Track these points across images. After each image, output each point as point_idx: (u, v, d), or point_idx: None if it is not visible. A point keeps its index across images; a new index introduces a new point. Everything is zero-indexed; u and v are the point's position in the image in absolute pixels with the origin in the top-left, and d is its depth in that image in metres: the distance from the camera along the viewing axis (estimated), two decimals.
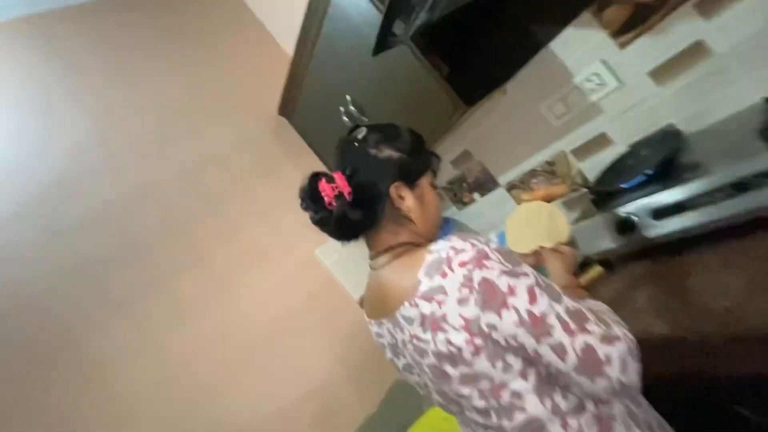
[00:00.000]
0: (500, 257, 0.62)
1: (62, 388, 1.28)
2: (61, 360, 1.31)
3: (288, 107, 1.84)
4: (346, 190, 0.70)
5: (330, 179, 0.71)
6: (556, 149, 1.41)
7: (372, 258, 0.78)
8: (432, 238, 0.80)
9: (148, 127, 1.68)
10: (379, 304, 0.76)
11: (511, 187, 1.61)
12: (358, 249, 1.88)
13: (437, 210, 0.80)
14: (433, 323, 0.63)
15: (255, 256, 1.71)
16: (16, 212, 1.39)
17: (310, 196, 0.72)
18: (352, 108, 1.51)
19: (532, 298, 0.59)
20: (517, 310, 0.59)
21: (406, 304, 0.66)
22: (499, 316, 0.59)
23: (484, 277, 0.60)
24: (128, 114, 1.66)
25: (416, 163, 0.77)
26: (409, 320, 0.67)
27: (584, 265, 1.20)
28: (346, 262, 1.86)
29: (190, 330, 1.51)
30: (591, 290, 1.11)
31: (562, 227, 0.97)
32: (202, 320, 1.54)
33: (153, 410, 1.37)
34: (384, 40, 1.06)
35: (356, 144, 0.76)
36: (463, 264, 0.61)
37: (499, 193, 1.66)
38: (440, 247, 0.65)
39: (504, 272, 0.60)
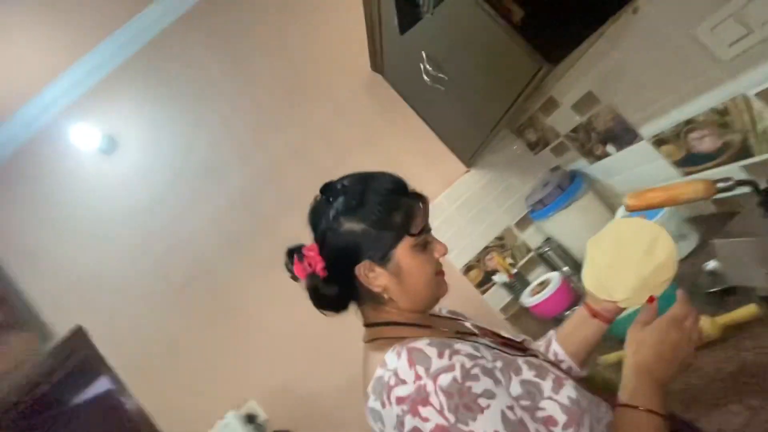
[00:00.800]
0: (444, 403, 0.48)
1: (225, 328, 1.73)
2: (224, 307, 1.75)
3: (378, 62, 1.67)
4: (319, 265, 0.64)
5: (300, 256, 0.65)
6: (729, 92, 0.88)
7: (363, 325, 0.71)
8: (427, 308, 0.67)
9: (260, 111, 1.82)
10: None
11: (660, 142, 1.13)
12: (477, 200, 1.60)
13: (425, 279, 0.64)
14: None
15: None
16: (186, 202, 1.80)
17: (292, 270, 0.68)
18: (428, 66, 1.27)
19: None
20: None
21: (365, 406, 0.60)
22: None
23: (415, 428, 0.49)
24: (243, 102, 1.82)
25: (385, 234, 0.62)
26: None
27: (726, 293, 0.80)
28: (457, 221, 1.74)
29: None
30: (734, 340, 0.76)
31: (663, 271, 0.65)
32: None
33: (288, 345, 1.72)
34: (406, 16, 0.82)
35: (321, 210, 0.67)
36: (399, 401, 0.50)
37: (642, 149, 1.19)
38: (389, 361, 0.54)
39: (440, 428, 0.47)
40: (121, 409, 2.22)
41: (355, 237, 0.62)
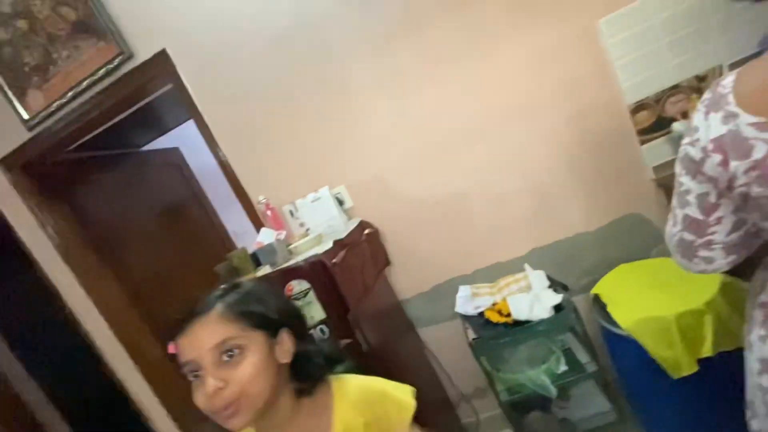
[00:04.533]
0: None
1: (327, 106, 1.49)
2: (329, 79, 1.47)
3: None
4: None
5: None
6: None
7: None
8: None
9: None
10: None
11: None
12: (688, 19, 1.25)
13: None
14: None
15: (524, 10, 1.32)
16: None
17: None
18: None
19: None
20: None
21: None
22: None
23: None
24: None
25: None
26: None
27: None
28: (634, 43, 1.28)
29: (438, 83, 1.42)
30: None
31: None
32: (453, 72, 1.41)
33: (392, 144, 1.50)
34: None
35: None
36: None
37: None
38: None
39: None
40: (185, 169, 2.21)
41: None
